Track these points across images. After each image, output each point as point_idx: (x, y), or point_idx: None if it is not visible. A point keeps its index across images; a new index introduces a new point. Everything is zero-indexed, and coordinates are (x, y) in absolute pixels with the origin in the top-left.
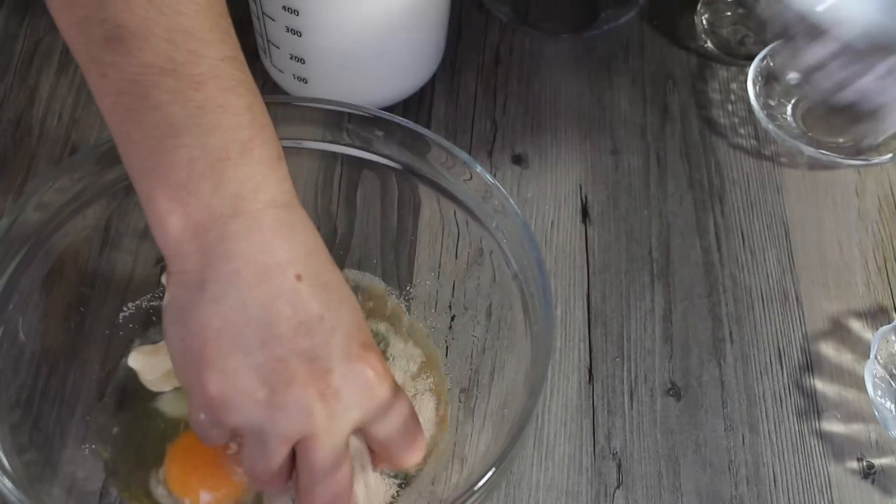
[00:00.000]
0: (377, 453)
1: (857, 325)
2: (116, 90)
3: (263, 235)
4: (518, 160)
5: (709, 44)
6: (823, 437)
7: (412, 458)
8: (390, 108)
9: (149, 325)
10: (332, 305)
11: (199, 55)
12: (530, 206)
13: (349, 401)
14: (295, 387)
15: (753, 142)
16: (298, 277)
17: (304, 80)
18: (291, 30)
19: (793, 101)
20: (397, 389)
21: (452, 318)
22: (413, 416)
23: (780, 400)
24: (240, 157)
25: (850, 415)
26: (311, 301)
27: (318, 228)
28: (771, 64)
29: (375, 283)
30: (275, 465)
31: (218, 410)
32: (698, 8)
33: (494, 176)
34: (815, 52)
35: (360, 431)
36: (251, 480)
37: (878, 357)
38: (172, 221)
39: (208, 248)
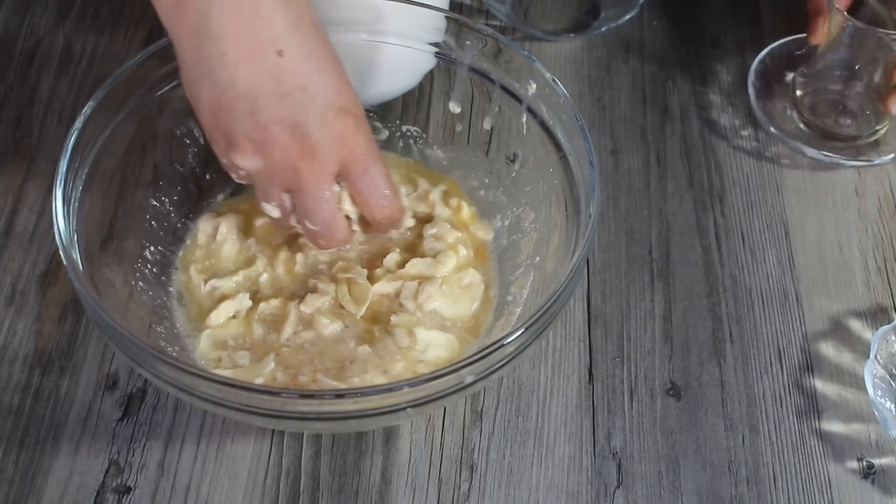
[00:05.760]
0: (363, 215)
1: (856, 325)
2: None
3: (244, 16)
4: (514, 160)
5: (709, 44)
6: (823, 437)
7: (385, 213)
8: (389, 106)
9: None
10: (312, 76)
11: None
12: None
13: (326, 156)
14: (278, 150)
15: (754, 142)
16: (280, 53)
17: None
18: None
19: (793, 102)
20: (376, 152)
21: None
22: (387, 175)
23: (780, 400)
24: None
25: (850, 415)
26: (291, 74)
27: None
28: (771, 64)
29: None
30: (278, 201)
31: (230, 167)
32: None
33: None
34: None
35: (343, 182)
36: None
37: (878, 357)
38: None
39: (197, 30)
